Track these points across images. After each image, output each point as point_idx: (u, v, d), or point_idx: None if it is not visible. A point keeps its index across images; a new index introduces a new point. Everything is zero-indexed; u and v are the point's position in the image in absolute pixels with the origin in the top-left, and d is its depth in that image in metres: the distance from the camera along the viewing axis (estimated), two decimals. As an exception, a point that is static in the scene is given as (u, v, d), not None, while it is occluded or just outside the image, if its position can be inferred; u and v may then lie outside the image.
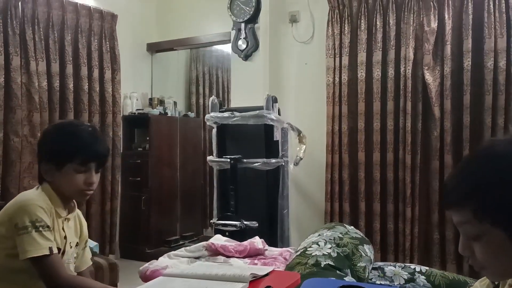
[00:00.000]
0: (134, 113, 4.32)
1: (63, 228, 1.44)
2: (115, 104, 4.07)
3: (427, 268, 1.93)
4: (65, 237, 1.45)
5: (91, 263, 1.63)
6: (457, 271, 3.06)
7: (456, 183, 0.81)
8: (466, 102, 3.16)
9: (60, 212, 1.43)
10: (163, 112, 4.49)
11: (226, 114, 3.38)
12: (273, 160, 3.31)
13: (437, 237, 3.26)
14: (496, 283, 0.94)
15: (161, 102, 4.62)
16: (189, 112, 4.88)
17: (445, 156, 3.22)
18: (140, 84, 4.58)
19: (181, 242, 4.30)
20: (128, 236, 4.22)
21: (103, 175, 3.93)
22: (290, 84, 3.91)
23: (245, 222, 3.23)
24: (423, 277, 1.86)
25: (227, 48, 4.47)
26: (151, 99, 4.61)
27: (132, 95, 4.41)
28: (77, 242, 1.53)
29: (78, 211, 1.56)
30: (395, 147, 3.39)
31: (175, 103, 4.68)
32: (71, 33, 3.75)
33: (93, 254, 2.67)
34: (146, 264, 2.13)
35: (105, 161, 1.51)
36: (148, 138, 4.23)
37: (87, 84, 3.83)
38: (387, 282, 1.85)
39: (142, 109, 4.41)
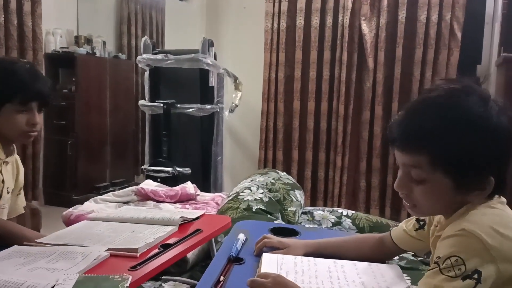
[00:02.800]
0: (58, 51, 3.98)
1: (1, 172, 1.36)
2: (35, 40, 3.70)
3: (353, 212, 2.01)
4: (3, 181, 1.36)
5: (23, 211, 1.54)
6: (380, 215, 3.25)
7: (415, 127, 0.79)
8: (398, 55, 3.24)
9: None
10: (91, 51, 4.18)
11: (159, 56, 3.22)
12: (208, 106, 3.24)
13: (363, 184, 3.41)
14: (422, 223, 0.98)
15: (89, 41, 4.29)
16: (120, 54, 4.59)
17: (376, 108, 3.32)
18: (65, 20, 4.19)
19: (111, 189, 4.14)
20: (53, 182, 4.01)
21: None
22: (228, 28, 3.78)
23: (178, 169, 3.18)
24: (349, 220, 1.93)
25: (161, -15, 4.20)
26: (77, 37, 4.26)
27: (55, 32, 4.03)
28: (13, 188, 1.45)
29: (16, 156, 1.47)
30: (329, 96, 3.43)
31: (104, 42, 4.37)
32: (-19, -45, 3.30)
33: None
34: (70, 209, 2.03)
35: (47, 100, 1.41)
36: (74, 79, 3.94)
37: (2, 16, 3.43)
38: (316, 225, 1.91)
39: (67, 48, 4.07)
